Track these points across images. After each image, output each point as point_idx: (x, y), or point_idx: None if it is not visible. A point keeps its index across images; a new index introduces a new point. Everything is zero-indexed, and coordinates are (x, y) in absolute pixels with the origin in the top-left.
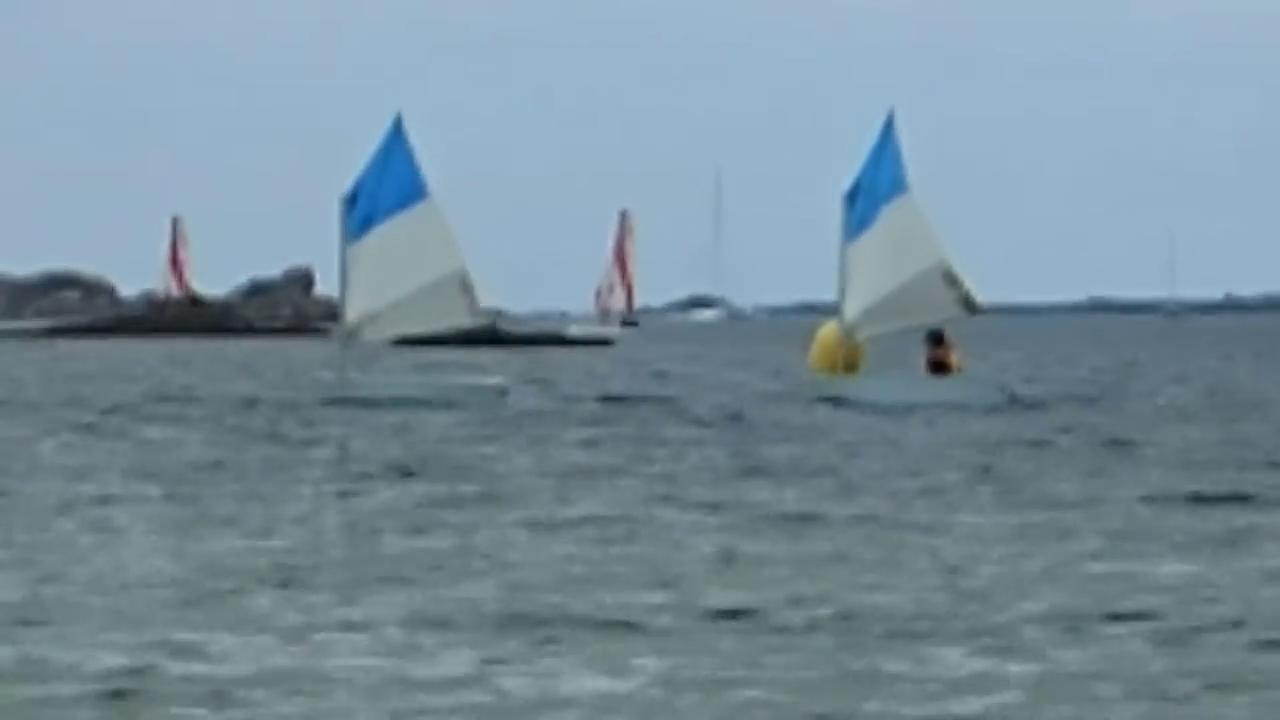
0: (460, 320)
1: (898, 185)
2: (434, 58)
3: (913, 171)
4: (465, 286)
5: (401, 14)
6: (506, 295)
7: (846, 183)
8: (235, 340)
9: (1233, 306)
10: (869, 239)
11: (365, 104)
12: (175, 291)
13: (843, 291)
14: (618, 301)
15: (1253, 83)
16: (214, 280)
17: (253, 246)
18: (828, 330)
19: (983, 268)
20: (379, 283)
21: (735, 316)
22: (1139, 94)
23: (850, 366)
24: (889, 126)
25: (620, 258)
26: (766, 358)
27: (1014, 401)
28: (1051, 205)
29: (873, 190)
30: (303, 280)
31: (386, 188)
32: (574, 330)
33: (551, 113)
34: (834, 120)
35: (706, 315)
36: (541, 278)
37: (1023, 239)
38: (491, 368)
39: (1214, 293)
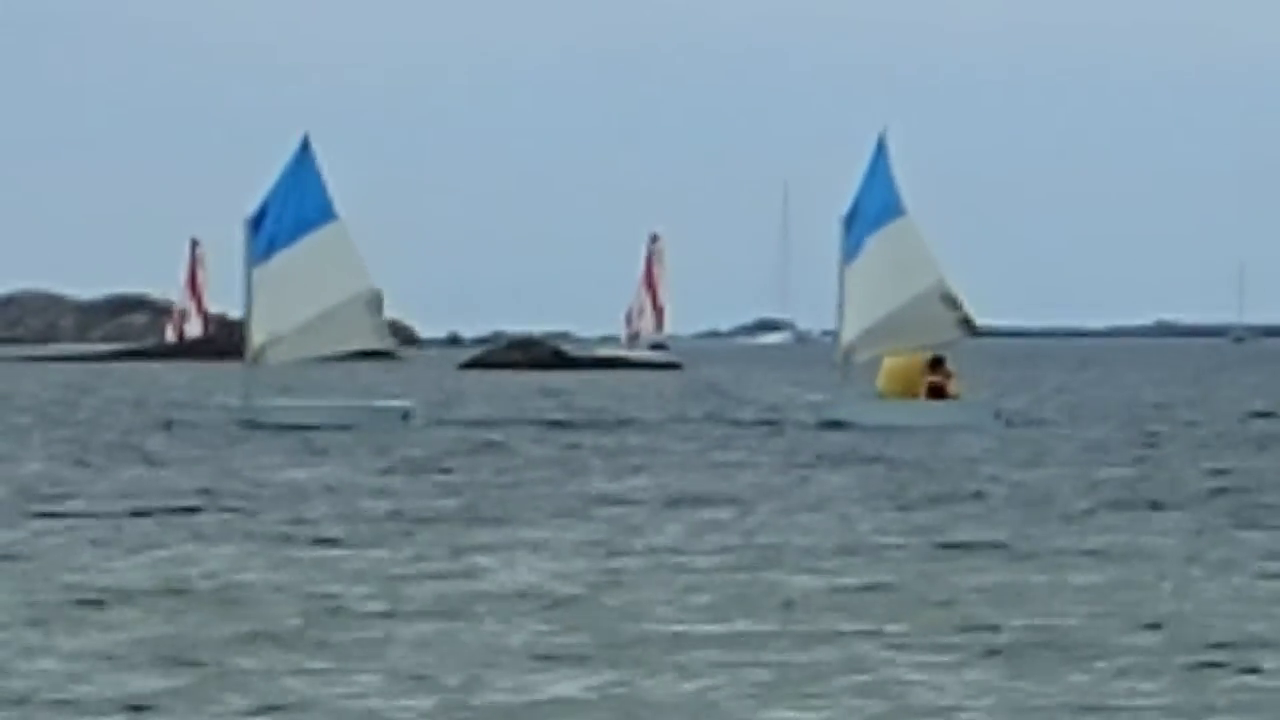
0: (368, 342)
1: (892, 208)
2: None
3: (978, 194)
4: (373, 308)
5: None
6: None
7: (912, 200)
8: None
9: None
10: (865, 261)
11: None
12: (195, 314)
13: (841, 314)
14: (647, 325)
15: None
16: None
17: None
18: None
19: (1048, 290)
20: (286, 305)
21: (801, 339)
22: (1209, 114)
23: (912, 390)
24: (881, 149)
25: (650, 281)
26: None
27: (1009, 425)
28: (1119, 228)
29: (869, 214)
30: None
31: (292, 210)
32: (637, 353)
33: (608, 132)
34: (902, 141)
35: (773, 338)
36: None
37: (1090, 262)
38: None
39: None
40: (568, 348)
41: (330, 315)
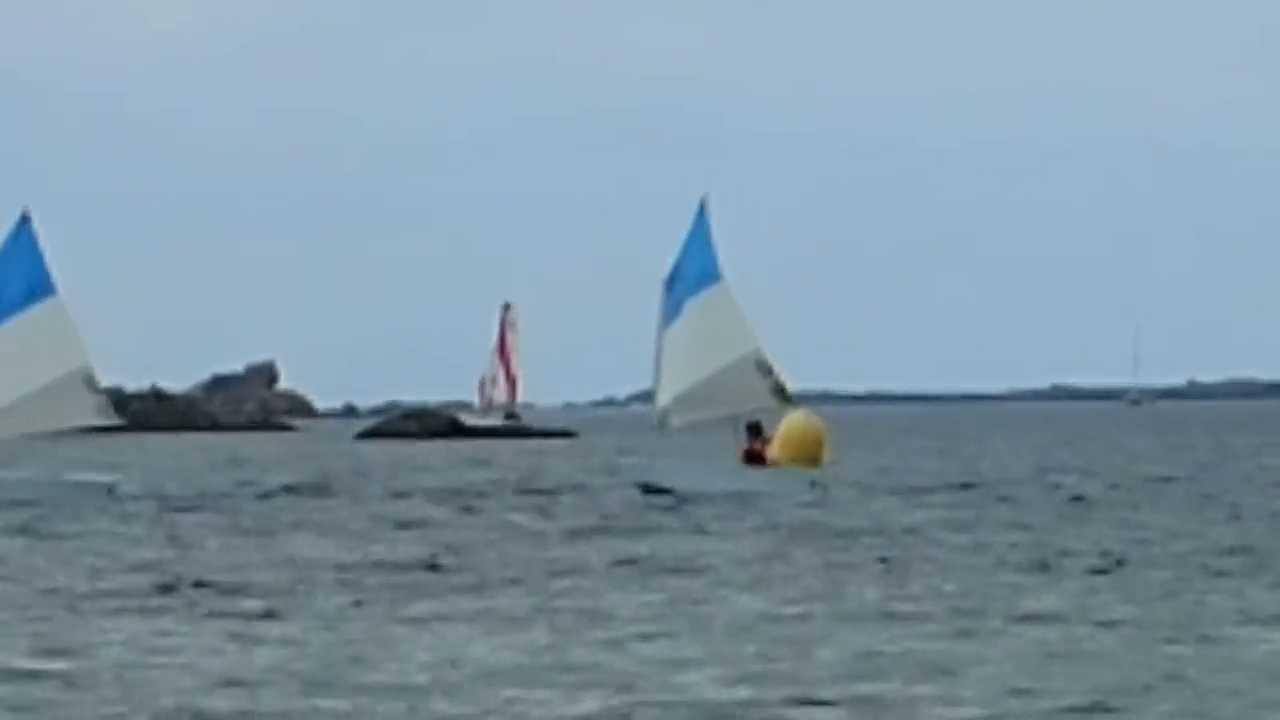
0: (87, 419)
1: (709, 274)
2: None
3: (876, 259)
4: (92, 384)
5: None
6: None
7: (809, 268)
8: (200, 435)
9: (1196, 393)
10: (680, 326)
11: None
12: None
13: (657, 378)
14: (500, 393)
15: (1218, 174)
16: (177, 375)
17: (215, 341)
18: (790, 421)
19: (944, 356)
20: (3, 380)
21: None
22: (1104, 179)
23: (812, 458)
24: (701, 214)
25: (502, 349)
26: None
27: (824, 493)
28: (1016, 294)
29: (686, 278)
30: (266, 374)
31: (11, 284)
32: (535, 424)
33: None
34: (794, 207)
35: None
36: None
37: (987, 328)
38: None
39: (1178, 379)
40: (465, 417)
41: (49, 391)
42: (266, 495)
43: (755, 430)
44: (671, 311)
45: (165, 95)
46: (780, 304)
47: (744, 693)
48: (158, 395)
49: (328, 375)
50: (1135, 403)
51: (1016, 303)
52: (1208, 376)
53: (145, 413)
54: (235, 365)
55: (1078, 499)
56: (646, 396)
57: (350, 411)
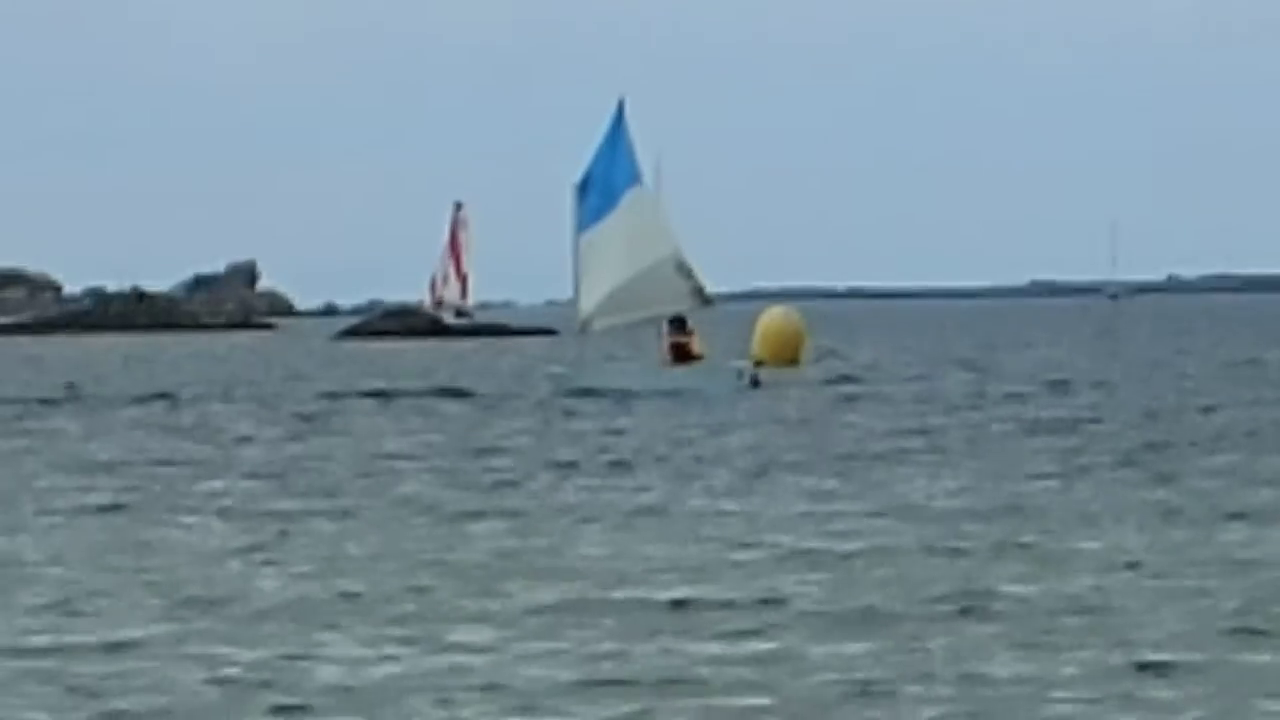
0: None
1: (630, 177)
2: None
3: (855, 156)
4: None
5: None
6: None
7: (789, 165)
8: (180, 335)
9: (1175, 288)
10: (602, 231)
11: (277, 101)
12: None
13: (577, 283)
14: (452, 293)
15: (1194, 70)
16: (158, 274)
17: (195, 240)
18: (770, 318)
19: (927, 252)
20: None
21: None
22: (1079, 74)
23: (791, 356)
24: (619, 117)
25: (454, 249)
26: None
27: (755, 386)
28: (995, 190)
29: (605, 182)
30: (246, 274)
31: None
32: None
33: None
34: (768, 100)
35: None
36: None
37: (967, 224)
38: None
39: (1157, 275)
40: (443, 316)
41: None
42: None
43: (679, 323)
44: (589, 216)
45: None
46: (761, 203)
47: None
48: (139, 295)
49: (308, 275)
50: (1114, 298)
51: (995, 198)
52: (1187, 271)
53: (126, 313)
54: (216, 265)
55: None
56: None
57: (331, 311)
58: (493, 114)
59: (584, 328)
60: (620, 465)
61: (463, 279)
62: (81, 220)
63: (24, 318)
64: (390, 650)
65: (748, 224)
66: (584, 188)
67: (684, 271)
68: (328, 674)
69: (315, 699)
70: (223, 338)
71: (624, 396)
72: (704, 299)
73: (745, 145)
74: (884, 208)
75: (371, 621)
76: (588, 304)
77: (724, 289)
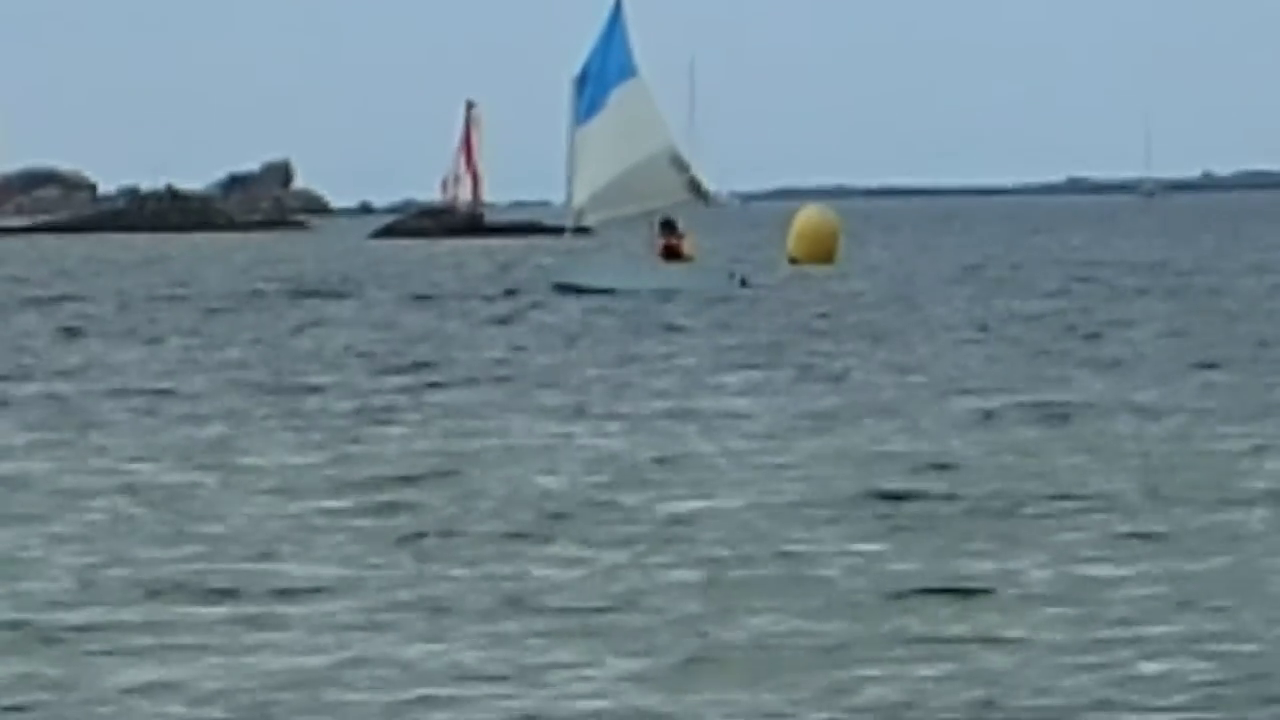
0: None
1: (627, 68)
2: None
3: (907, 52)
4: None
5: None
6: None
7: (821, 63)
8: (215, 235)
9: (1210, 185)
10: (596, 124)
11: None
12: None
13: (571, 177)
14: (464, 192)
15: None
16: (192, 174)
17: (230, 139)
18: (805, 216)
19: (961, 148)
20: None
21: (710, 202)
22: None
23: (826, 254)
24: (617, 11)
25: (467, 149)
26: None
27: (744, 287)
28: (1030, 87)
29: (601, 75)
30: (281, 173)
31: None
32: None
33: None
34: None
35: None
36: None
37: (1003, 120)
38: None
39: (1192, 171)
40: (484, 215)
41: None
42: None
43: (669, 226)
44: (585, 109)
45: None
46: (793, 99)
47: None
48: (173, 195)
49: (343, 173)
50: (1149, 195)
51: (1031, 94)
52: (1221, 168)
53: (161, 213)
54: (251, 164)
55: None
56: None
57: (366, 209)
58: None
59: (577, 220)
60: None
61: (475, 179)
62: (116, 119)
63: (59, 217)
64: None
65: (781, 122)
66: (581, 82)
67: (678, 165)
68: None
69: None
70: (258, 237)
71: (611, 294)
72: (699, 192)
73: (778, 45)
74: (920, 105)
75: None
76: (580, 197)
77: (757, 187)
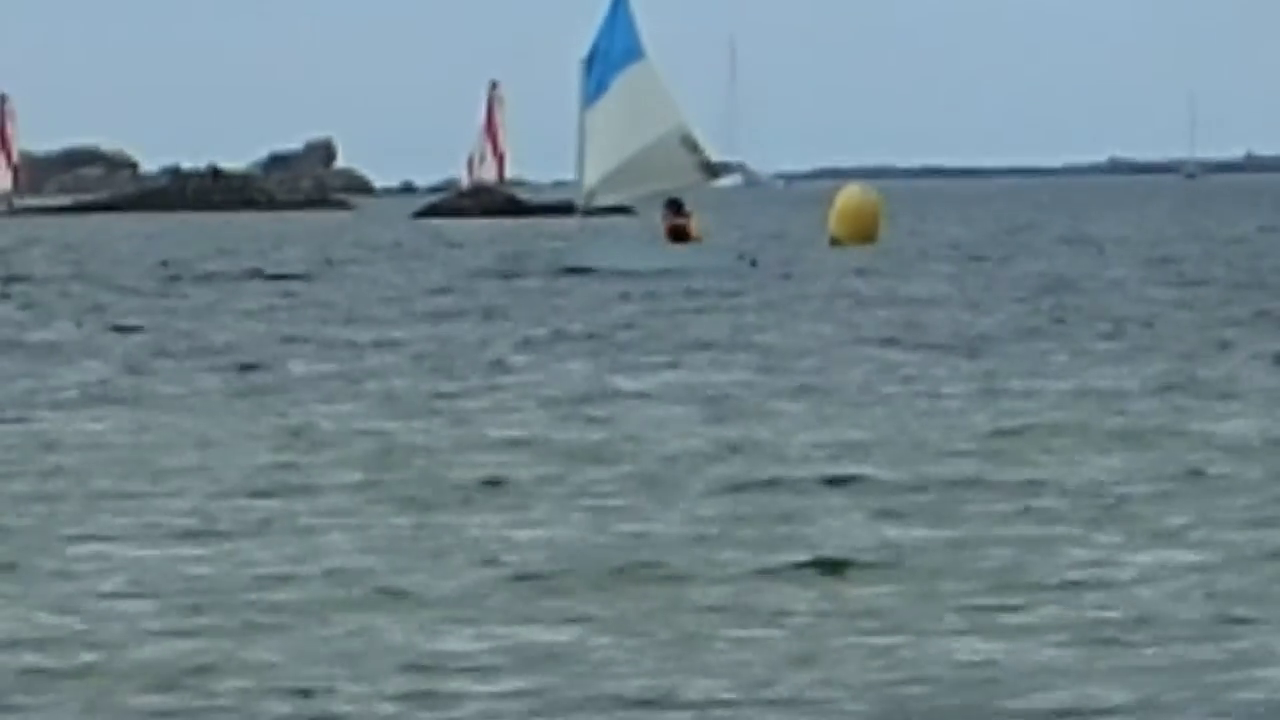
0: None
1: (632, 51)
2: None
3: (944, 32)
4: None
5: None
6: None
7: (863, 42)
8: (257, 214)
9: (1253, 166)
10: (605, 105)
11: None
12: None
13: (581, 158)
14: (489, 172)
15: None
16: (234, 153)
17: (272, 118)
18: (847, 196)
19: (1002, 128)
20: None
21: (751, 183)
22: None
23: (868, 234)
24: None
25: (490, 128)
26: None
27: (754, 267)
28: (1071, 66)
29: (606, 57)
30: (324, 152)
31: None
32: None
33: None
34: None
35: (723, 182)
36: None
37: (1043, 101)
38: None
39: (1235, 152)
40: (522, 194)
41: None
42: None
43: (676, 206)
44: (592, 91)
45: None
46: (835, 81)
47: None
48: (215, 173)
49: (386, 152)
50: (1191, 176)
51: (1073, 74)
52: (1264, 149)
53: (203, 191)
54: (293, 143)
55: None
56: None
57: (408, 189)
58: None
59: (588, 201)
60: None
61: (499, 159)
62: (158, 98)
63: (101, 196)
64: None
65: (822, 102)
66: (589, 63)
67: (689, 145)
68: None
69: None
70: (299, 216)
71: (620, 275)
72: (711, 171)
73: (820, 24)
74: (962, 84)
75: None
76: (591, 178)
77: (799, 167)
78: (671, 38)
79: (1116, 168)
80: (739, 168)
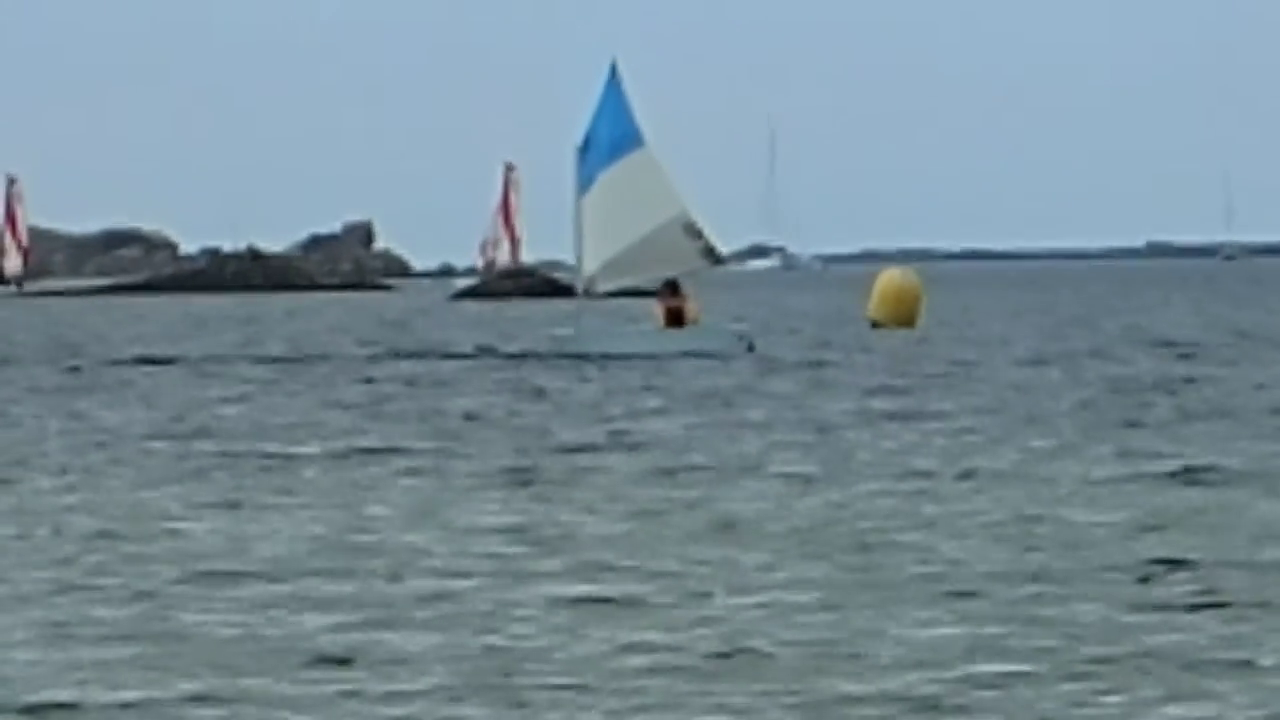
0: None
1: (630, 139)
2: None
3: (983, 117)
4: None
5: None
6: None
7: (903, 124)
8: (297, 295)
9: None
10: (602, 193)
11: (396, 58)
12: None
13: (579, 245)
14: (504, 255)
15: None
16: (273, 234)
17: (311, 200)
18: (887, 279)
19: (1037, 213)
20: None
21: (790, 265)
22: (1194, 32)
23: (908, 317)
24: (613, 78)
25: (505, 211)
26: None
27: (751, 351)
28: (1108, 149)
29: (599, 145)
30: (363, 234)
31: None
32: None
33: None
34: (883, 61)
35: (762, 264)
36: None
37: (1082, 184)
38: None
39: (1274, 235)
40: (560, 277)
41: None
42: None
43: (673, 288)
44: (587, 178)
45: None
46: (876, 161)
47: None
48: (255, 255)
49: (424, 234)
50: (1230, 259)
51: (1110, 157)
52: None
53: (242, 273)
54: (332, 225)
55: None
56: (745, 255)
57: (447, 271)
58: None
59: (588, 289)
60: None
61: (514, 242)
62: (198, 179)
63: (140, 277)
64: None
65: (862, 184)
66: (584, 150)
67: (692, 232)
68: None
69: None
70: (338, 298)
71: (621, 360)
72: (715, 258)
73: (860, 106)
74: (1002, 167)
75: None
76: (591, 265)
77: (839, 249)
78: (710, 118)
79: (1155, 251)
80: (778, 250)
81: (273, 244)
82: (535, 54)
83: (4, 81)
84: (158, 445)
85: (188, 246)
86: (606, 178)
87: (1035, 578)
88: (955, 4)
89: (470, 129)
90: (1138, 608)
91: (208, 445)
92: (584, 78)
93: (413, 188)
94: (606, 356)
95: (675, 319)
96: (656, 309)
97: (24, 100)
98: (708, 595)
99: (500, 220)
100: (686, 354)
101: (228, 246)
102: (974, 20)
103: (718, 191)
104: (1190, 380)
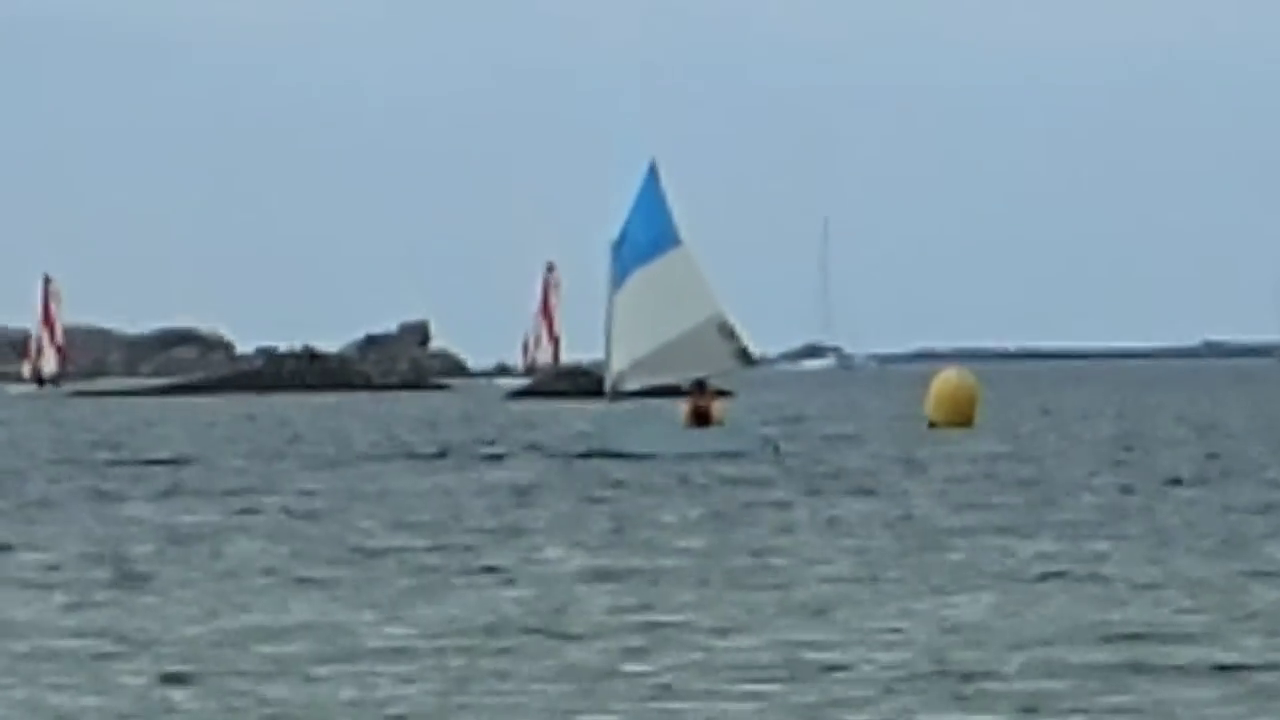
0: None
1: (666, 238)
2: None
3: (1036, 215)
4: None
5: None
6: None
7: (957, 223)
8: (353, 395)
9: None
10: (635, 291)
11: (458, 156)
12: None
13: (608, 342)
14: (544, 355)
15: None
16: (329, 334)
17: (367, 300)
18: (943, 379)
19: (1097, 310)
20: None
21: (844, 365)
22: (1244, 130)
23: (965, 417)
24: (651, 177)
25: (546, 310)
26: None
27: (776, 452)
28: (1162, 249)
29: (635, 242)
30: (419, 333)
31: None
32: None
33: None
34: (937, 159)
35: (816, 364)
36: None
37: (1138, 283)
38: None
39: None
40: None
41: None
42: None
43: (700, 387)
44: (619, 275)
45: (321, 62)
46: (930, 263)
47: None
48: (311, 355)
49: (480, 333)
50: None
51: (1165, 256)
52: None
53: (299, 373)
54: (388, 325)
55: None
56: (799, 355)
57: (503, 370)
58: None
59: (616, 385)
60: None
61: (554, 341)
62: (254, 280)
63: (195, 377)
64: None
65: (917, 283)
66: (618, 247)
67: (726, 333)
68: None
69: None
70: (394, 398)
71: (648, 459)
72: (748, 360)
73: (913, 205)
74: (1057, 266)
75: None
76: (620, 362)
77: (894, 349)
78: (763, 217)
79: (1210, 350)
80: (833, 350)
81: (329, 344)
82: (584, 157)
83: (60, 179)
84: None
85: (243, 346)
86: (641, 275)
87: None
88: (1008, 101)
89: (519, 228)
90: None
91: None
92: (632, 177)
93: (469, 286)
94: (630, 455)
95: (701, 418)
96: (683, 407)
97: (79, 198)
98: None
99: (541, 320)
100: (713, 453)
101: (284, 346)
102: (1028, 118)
103: (771, 290)
104: None
